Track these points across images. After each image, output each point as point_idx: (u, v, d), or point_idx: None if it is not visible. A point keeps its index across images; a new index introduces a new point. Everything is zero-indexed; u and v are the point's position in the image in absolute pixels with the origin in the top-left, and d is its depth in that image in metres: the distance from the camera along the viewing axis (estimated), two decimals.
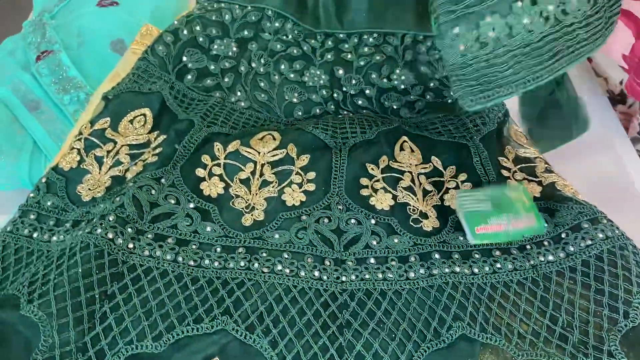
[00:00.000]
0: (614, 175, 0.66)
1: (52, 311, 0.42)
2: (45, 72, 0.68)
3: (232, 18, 0.66)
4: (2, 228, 0.51)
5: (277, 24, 0.67)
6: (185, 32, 0.64)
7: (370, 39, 0.68)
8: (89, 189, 0.53)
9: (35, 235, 0.50)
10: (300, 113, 0.64)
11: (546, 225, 0.50)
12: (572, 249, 0.49)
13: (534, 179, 0.56)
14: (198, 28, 0.64)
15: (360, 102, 0.66)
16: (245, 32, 0.66)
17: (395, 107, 0.65)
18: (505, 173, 0.56)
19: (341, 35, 0.69)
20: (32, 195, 0.52)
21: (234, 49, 0.65)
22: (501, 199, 0.51)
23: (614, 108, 0.75)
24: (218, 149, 0.55)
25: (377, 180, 0.54)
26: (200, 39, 0.64)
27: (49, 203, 0.52)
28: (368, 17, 0.69)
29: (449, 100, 0.64)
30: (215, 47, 0.65)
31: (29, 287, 0.44)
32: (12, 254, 0.49)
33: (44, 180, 0.53)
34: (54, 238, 0.50)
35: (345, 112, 0.64)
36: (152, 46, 0.62)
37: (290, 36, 0.67)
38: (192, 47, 0.64)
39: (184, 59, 0.63)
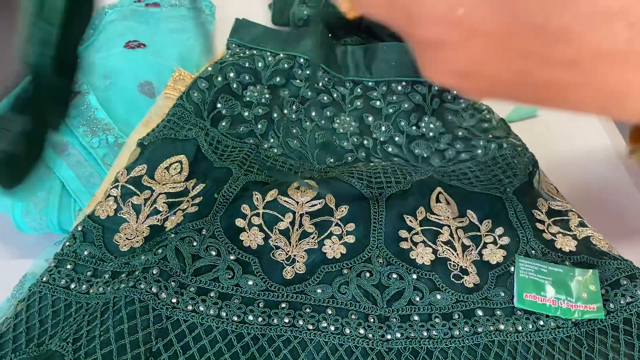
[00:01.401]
0: None
1: None
2: (74, 114, 0.68)
3: (264, 65, 0.67)
4: (37, 278, 0.50)
5: (307, 72, 0.68)
6: (219, 78, 0.64)
7: (399, 87, 0.70)
8: (127, 238, 0.52)
9: (72, 286, 0.49)
10: (332, 160, 0.64)
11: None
12: (612, 306, 0.50)
13: (569, 232, 0.56)
14: (232, 75, 0.65)
15: (390, 149, 0.66)
16: (278, 79, 0.67)
17: (425, 155, 0.66)
18: (539, 226, 0.57)
19: (370, 83, 0.70)
20: (68, 243, 0.51)
21: (267, 95, 0.66)
22: (565, 279, 0.51)
23: None
24: (257, 198, 0.55)
25: (417, 233, 0.54)
26: (234, 86, 0.65)
27: (85, 252, 0.51)
28: (396, 66, 0.70)
29: (479, 151, 0.65)
30: (249, 93, 0.65)
31: (74, 344, 0.43)
32: (50, 305, 0.48)
33: (80, 228, 0.52)
34: (92, 290, 0.49)
35: (376, 160, 0.65)
36: (187, 92, 0.62)
37: (320, 83, 0.68)
38: (226, 94, 0.64)
39: (219, 105, 0.63)
